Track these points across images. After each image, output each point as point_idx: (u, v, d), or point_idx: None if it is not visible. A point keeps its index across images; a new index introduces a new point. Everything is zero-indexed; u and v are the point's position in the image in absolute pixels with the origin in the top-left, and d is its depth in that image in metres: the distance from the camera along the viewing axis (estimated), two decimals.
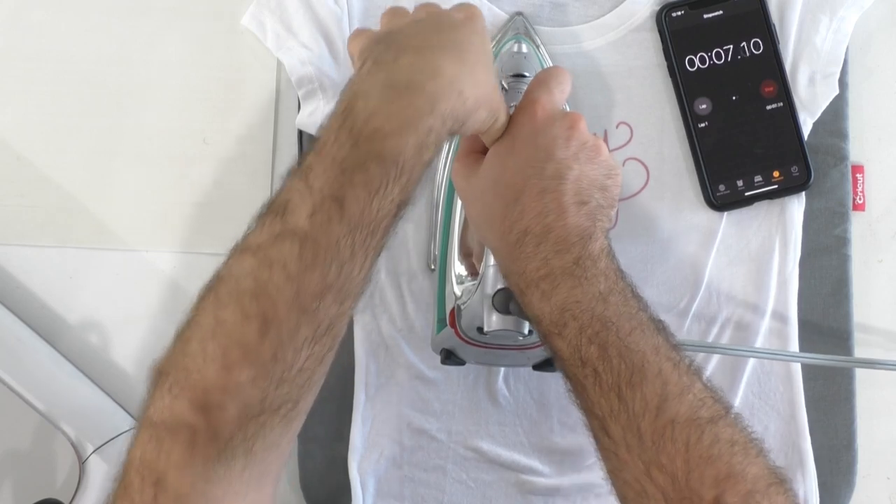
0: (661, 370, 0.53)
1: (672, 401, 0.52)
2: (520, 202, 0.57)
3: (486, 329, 0.61)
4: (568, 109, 0.70)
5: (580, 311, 0.55)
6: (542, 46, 0.72)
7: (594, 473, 0.72)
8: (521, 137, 0.59)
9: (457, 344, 0.66)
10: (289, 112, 0.76)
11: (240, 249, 0.51)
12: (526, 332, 0.61)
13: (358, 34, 0.59)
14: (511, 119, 0.61)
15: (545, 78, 0.61)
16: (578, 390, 0.56)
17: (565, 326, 0.55)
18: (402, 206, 0.53)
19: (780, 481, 0.51)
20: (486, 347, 0.65)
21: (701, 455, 0.51)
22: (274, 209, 0.50)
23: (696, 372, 0.55)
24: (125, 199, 0.75)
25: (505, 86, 0.68)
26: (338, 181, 0.49)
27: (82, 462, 0.68)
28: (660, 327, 0.56)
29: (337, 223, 0.49)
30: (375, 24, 0.72)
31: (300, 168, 0.51)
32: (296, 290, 0.48)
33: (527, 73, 0.68)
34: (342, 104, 0.52)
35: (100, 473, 0.68)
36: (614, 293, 0.56)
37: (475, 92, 0.54)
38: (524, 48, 0.70)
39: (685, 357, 0.55)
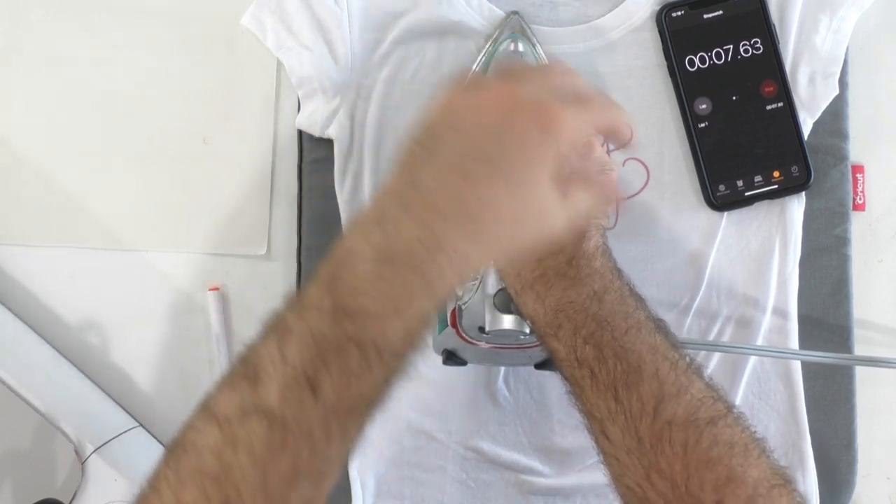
0: (658, 370, 0.52)
1: (669, 402, 0.51)
2: None
3: (487, 329, 0.61)
4: None
5: (574, 311, 0.54)
6: (538, 45, 0.72)
7: (594, 473, 0.72)
8: None
9: (458, 344, 0.66)
10: (289, 112, 0.76)
11: (207, 411, 0.45)
12: (528, 331, 0.61)
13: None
14: None
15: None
16: (577, 392, 0.55)
17: (560, 327, 0.55)
18: (390, 383, 0.47)
19: (784, 482, 0.50)
20: (487, 347, 0.65)
21: (700, 458, 0.50)
22: (246, 372, 0.45)
23: (696, 371, 0.54)
24: (125, 199, 0.75)
25: None
26: (312, 361, 0.44)
27: (82, 462, 0.67)
28: (658, 326, 0.56)
29: (311, 407, 0.44)
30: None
31: (278, 324, 0.46)
32: (262, 477, 0.44)
33: None
34: (333, 259, 0.46)
35: (100, 473, 0.68)
36: (610, 292, 0.55)
37: (490, 259, 0.48)
38: (521, 47, 0.70)
39: (684, 356, 0.54)
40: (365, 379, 0.45)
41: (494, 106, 0.46)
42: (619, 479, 0.53)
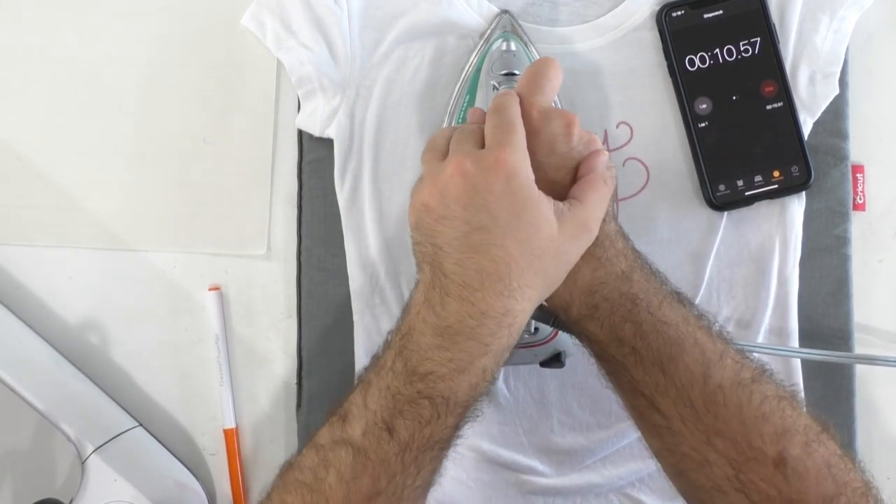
0: (697, 339, 0.55)
1: (714, 367, 0.54)
2: None
3: None
4: (559, 104, 0.70)
5: (608, 291, 0.56)
6: (530, 44, 0.72)
7: (594, 473, 0.72)
8: None
9: None
10: (289, 112, 0.76)
11: (312, 442, 0.56)
12: (533, 329, 0.61)
13: (414, 193, 0.57)
14: None
15: (533, 76, 0.61)
16: (619, 371, 0.57)
17: (597, 308, 0.56)
18: (458, 426, 0.56)
19: (825, 428, 0.54)
20: None
21: (755, 414, 0.53)
22: (339, 413, 0.56)
23: (725, 337, 0.57)
24: (125, 199, 0.75)
25: (496, 84, 0.68)
26: (388, 409, 0.54)
27: (82, 462, 0.67)
28: (681, 298, 0.58)
29: (387, 443, 0.54)
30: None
31: (363, 379, 0.56)
32: (346, 493, 0.54)
33: (517, 71, 0.68)
34: (400, 331, 0.55)
35: (100, 473, 0.68)
36: (636, 271, 0.57)
37: (531, 307, 0.55)
38: (513, 46, 0.70)
39: (712, 323, 0.57)
40: (435, 424, 0.54)
41: (457, 184, 0.53)
42: (673, 449, 0.55)
